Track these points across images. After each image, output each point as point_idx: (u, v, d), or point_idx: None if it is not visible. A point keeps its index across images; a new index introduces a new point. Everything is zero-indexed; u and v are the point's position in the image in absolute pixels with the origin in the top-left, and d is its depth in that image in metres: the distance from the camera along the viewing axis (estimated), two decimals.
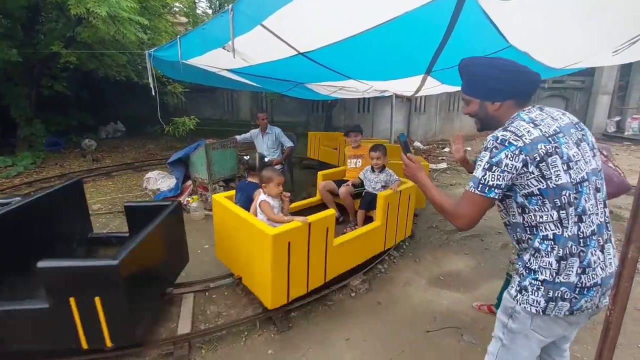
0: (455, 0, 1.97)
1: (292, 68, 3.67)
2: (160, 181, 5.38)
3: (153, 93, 4.22)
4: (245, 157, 3.16)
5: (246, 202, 2.78)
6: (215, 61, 3.80)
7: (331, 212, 2.63)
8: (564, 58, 3.06)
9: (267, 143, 5.01)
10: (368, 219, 3.36)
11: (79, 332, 1.86)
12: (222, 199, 2.82)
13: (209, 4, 14.53)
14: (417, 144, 10.84)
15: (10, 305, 1.85)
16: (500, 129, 1.22)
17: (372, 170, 3.54)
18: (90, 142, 8.99)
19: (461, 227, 1.27)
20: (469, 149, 10.47)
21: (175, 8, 10.85)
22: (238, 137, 5.19)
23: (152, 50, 3.92)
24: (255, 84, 5.11)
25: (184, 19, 12.50)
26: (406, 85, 3.93)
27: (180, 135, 8.80)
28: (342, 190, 3.58)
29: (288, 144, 4.99)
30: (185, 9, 10.09)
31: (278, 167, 4.93)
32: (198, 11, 12.24)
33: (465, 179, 6.89)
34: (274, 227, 2.20)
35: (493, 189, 1.17)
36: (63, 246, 2.66)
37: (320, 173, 4.13)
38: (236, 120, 11.66)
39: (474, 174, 1.22)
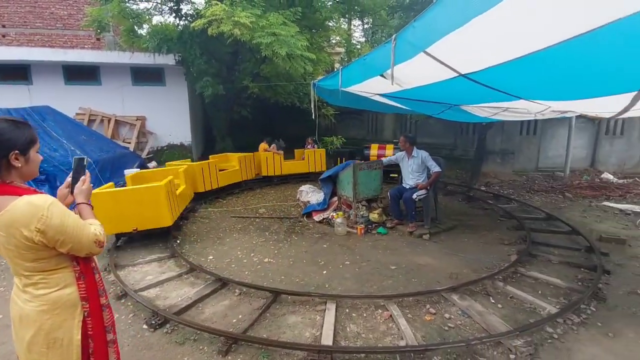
0: None
1: (449, 90, 3.49)
2: (310, 195, 6.00)
3: (313, 117, 4.78)
4: None
5: None
6: (371, 87, 4.01)
7: None
8: None
9: (412, 166, 4.88)
10: None
11: None
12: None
13: (363, 33, 15.68)
14: (607, 175, 8.43)
15: None
16: None
17: None
18: None
19: None
20: None
21: (333, 41, 12.19)
22: (384, 160, 5.26)
23: (317, 80, 4.48)
24: (405, 107, 5.11)
25: (339, 49, 13.87)
26: (604, 105, 3.11)
27: (327, 153, 9.68)
28: None
29: (435, 168, 4.71)
30: (342, 41, 11.15)
31: (422, 192, 4.72)
32: (352, 41, 13.34)
33: None
34: None
35: None
36: None
37: None
38: (379, 140, 11.93)
39: None
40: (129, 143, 9.04)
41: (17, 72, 8.71)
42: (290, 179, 8.43)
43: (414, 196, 4.66)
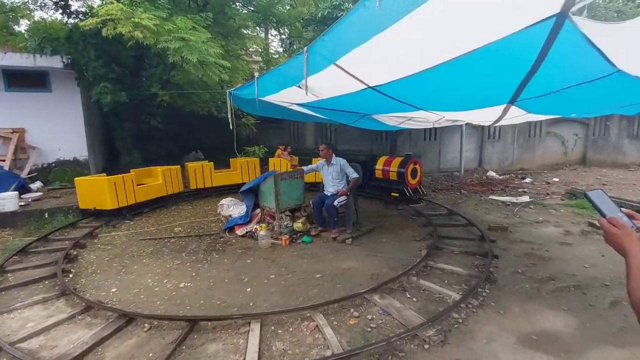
0: (549, 27, 1.79)
1: (360, 101, 3.69)
2: (232, 208, 5.72)
3: (231, 127, 4.59)
4: None
5: None
6: (288, 97, 4.02)
7: None
8: None
9: (332, 174, 5.03)
10: None
11: None
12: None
13: (280, 43, 15.83)
14: (491, 173, 9.97)
15: None
16: None
17: None
18: None
19: None
20: (556, 179, 9.29)
21: (251, 49, 12.03)
22: (305, 168, 5.32)
23: (233, 89, 4.33)
24: (322, 117, 5.27)
25: (257, 58, 13.76)
26: (483, 116, 3.66)
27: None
28: None
29: (353, 175, 4.94)
30: (259, 50, 11.07)
31: (343, 198, 4.89)
32: (270, 50, 13.35)
33: (554, 215, 6.04)
34: None
35: None
36: None
37: None
38: (301, 148, 12.11)
39: None
40: (3, 161, 7.43)
41: None
42: (212, 193, 7.94)
43: (336, 203, 4.81)
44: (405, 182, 6.71)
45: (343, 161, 5.04)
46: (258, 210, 5.33)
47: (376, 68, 2.71)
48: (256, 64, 14.20)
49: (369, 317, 2.94)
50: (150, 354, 2.50)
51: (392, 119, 4.70)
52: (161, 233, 5.34)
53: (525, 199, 7.17)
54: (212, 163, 8.06)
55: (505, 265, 3.97)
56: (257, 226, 5.00)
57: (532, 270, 3.85)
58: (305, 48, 2.50)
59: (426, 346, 2.54)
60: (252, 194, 5.32)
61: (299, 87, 3.34)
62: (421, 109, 3.73)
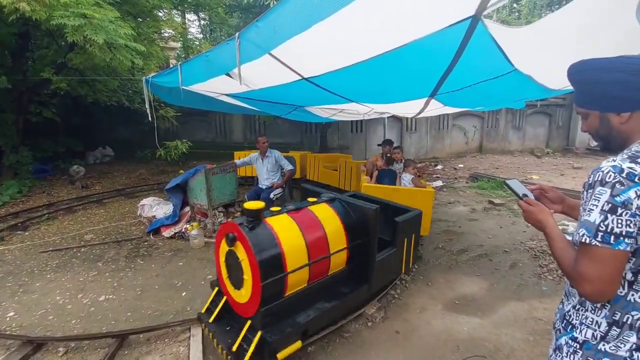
0: (465, 28, 2.01)
1: (294, 92, 3.68)
2: (155, 208, 5.21)
3: (150, 118, 4.13)
4: None
5: None
6: (217, 87, 3.79)
7: None
8: (563, 80, 3.15)
9: (267, 167, 4.94)
10: None
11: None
12: None
13: (200, 29, 14.77)
14: None
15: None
16: (625, 157, 0.93)
17: None
18: (78, 168, 8.72)
19: (589, 295, 0.91)
20: (461, 165, 10.64)
21: (165, 34, 10.95)
22: (237, 162, 5.11)
23: (150, 76, 3.88)
24: (253, 108, 5.10)
25: (174, 44, 12.60)
26: (408, 108, 3.98)
27: (172, 159, 8.65)
28: None
29: (288, 167, 4.93)
30: (177, 36, 10.15)
31: (278, 190, 4.85)
32: (189, 36, 12.34)
33: (462, 196, 6.94)
34: None
35: (622, 238, 0.86)
36: None
37: None
38: (229, 142, 11.60)
39: (585, 217, 0.92)
40: None
41: None
42: (123, 193, 7.09)
43: (272, 196, 4.74)
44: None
45: (277, 153, 4.98)
46: (187, 209, 4.96)
47: (311, 59, 2.72)
48: (173, 51, 13.00)
49: None
50: None
51: (325, 111, 4.80)
52: (68, 242, 4.58)
53: (439, 183, 8.08)
54: None
55: (429, 242, 4.43)
56: (188, 225, 4.65)
57: (449, 244, 4.38)
58: (237, 34, 2.37)
59: (369, 324, 2.71)
60: (179, 191, 4.91)
61: (230, 76, 3.18)
62: (353, 101, 3.88)
